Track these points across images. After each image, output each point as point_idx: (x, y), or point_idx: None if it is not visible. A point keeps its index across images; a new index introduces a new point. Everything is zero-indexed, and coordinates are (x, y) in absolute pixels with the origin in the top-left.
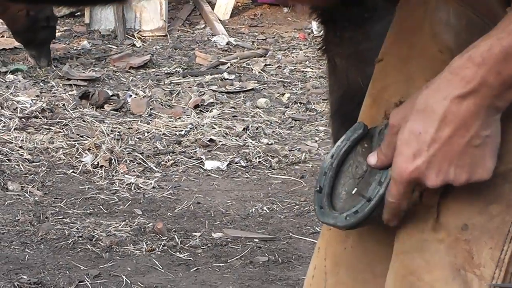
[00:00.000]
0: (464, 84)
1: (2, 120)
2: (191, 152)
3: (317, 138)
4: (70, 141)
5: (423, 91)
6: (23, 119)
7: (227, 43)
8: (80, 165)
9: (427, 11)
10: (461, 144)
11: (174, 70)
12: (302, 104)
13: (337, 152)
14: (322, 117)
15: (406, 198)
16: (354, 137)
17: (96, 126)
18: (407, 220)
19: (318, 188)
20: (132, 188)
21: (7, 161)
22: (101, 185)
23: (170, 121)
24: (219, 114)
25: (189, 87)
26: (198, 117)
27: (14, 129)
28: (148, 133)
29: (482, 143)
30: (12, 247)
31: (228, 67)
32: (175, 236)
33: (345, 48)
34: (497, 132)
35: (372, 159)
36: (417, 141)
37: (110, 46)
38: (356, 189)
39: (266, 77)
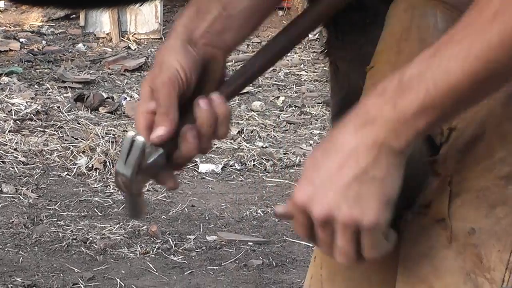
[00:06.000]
0: (363, 114)
1: None
2: None
3: (311, 142)
4: (64, 143)
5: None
6: (17, 121)
7: None
8: (74, 168)
9: (414, 16)
10: (349, 176)
11: None
12: (297, 108)
13: None
14: (317, 120)
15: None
16: None
17: (91, 129)
18: (413, 229)
19: None
20: None
21: (1, 163)
22: (96, 187)
23: None
24: None
25: None
26: None
27: (8, 131)
28: None
29: (368, 182)
30: (6, 249)
31: None
32: (169, 239)
33: (347, 52)
34: (391, 180)
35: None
36: (314, 169)
37: (105, 48)
38: None
39: (261, 80)
